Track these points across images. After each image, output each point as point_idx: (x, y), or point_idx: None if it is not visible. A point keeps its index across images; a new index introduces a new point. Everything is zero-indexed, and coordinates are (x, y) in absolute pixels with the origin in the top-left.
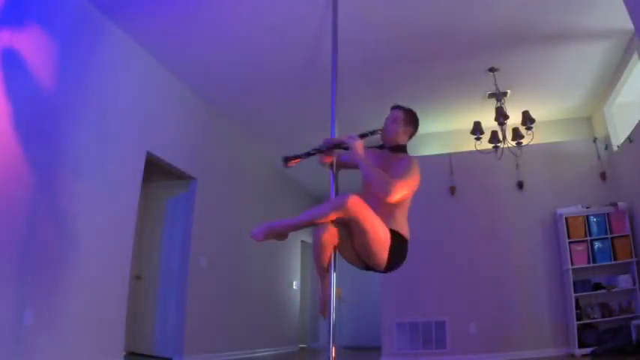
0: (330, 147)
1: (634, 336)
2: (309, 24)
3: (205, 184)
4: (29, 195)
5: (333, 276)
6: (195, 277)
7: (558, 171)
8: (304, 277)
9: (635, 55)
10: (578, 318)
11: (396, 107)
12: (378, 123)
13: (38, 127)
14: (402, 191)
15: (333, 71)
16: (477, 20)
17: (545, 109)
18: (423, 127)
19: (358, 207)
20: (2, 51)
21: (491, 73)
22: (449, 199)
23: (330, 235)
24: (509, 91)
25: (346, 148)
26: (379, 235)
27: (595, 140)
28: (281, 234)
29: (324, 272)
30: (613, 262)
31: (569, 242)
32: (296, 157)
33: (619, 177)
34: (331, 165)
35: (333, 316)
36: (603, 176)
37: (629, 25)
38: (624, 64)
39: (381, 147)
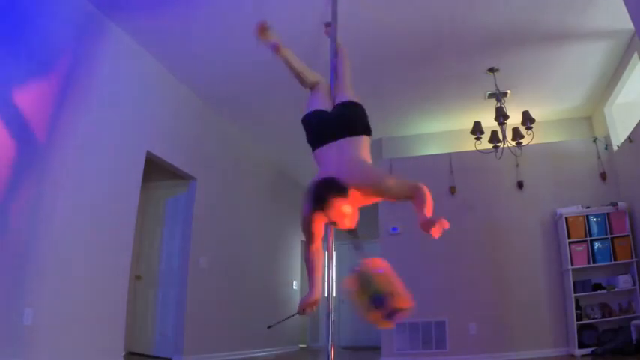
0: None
1: (634, 336)
2: (309, 24)
3: (205, 184)
4: (29, 195)
5: (332, 275)
6: (195, 277)
7: (558, 171)
8: (304, 277)
9: (635, 55)
10: (578, 318)
11: None
12: (377, 122)
13: (37, 127)
14: None
15: (332, 72)
16: (477, 20)
17: (545, 109)
18: (423, 127)
19: None
20: (1, 50)
21: (491, 73)
22: (449, 199)
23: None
24: (509, 91)
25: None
26: None
27: (595, 140)
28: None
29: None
30: (613, 262)
31: (569, 242)
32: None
33: (619, 177)
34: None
35: (332, 316)
36: (603, 176)
37: (629, 25)
38: (624, 64)
39: None
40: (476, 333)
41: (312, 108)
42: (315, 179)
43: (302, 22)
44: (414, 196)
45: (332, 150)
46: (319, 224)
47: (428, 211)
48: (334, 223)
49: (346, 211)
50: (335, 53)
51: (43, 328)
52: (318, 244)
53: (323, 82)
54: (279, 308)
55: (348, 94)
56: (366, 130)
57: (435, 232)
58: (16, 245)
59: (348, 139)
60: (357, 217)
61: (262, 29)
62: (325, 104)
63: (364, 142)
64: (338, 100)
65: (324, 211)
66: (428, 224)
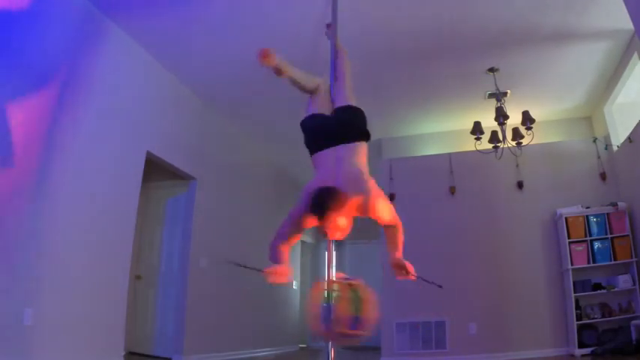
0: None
1: (634, 336)
2: (309, 24)
3: (205, 184)
4: (29, 195)
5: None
6: (195, 277)
7: (558, 171)
8: (304, 277)
9: (635, 55)
10: (578, 318)
11: None
12: (377, 122)
13: (38, 126)
14: None
15: (332, 72)
16: (477, 20)
17: (545, 109)
18: (423, 127)
19: None
20: (2, 50)
21: (491, 73)
22: (449, 199)
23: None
24: (509, 91)
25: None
26: None
27: (595, 140)
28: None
29: None
30: (613, 262)
31: (569, 242)
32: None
33: (619, 177)
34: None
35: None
36: (603, 176)
37: (629, 25)
38: (624, 64)
39: None
40: (476, 333)
41: (311, 112)
42: (314, 184)
43: (302, 22)
44: (396, 228)
45: (330, 155)
46: (305, 227)
47: (399, 251)
48: (325, 233)
49: (342, 223)
50: (335, 55)
51: (43, 328)
52: (292, 243)
53: (323, 85)
54: (279, 308)
55: (348, 97)
56: (364, 136)
57: (400, 276)
58: (16, 245)
59: (347, 145)
60: (348, 230)
61: (265, 55)
62: (324, 107)
63: (361, 148)
64: (338, 104)
65: (321, 220)
66: (398, 265)
